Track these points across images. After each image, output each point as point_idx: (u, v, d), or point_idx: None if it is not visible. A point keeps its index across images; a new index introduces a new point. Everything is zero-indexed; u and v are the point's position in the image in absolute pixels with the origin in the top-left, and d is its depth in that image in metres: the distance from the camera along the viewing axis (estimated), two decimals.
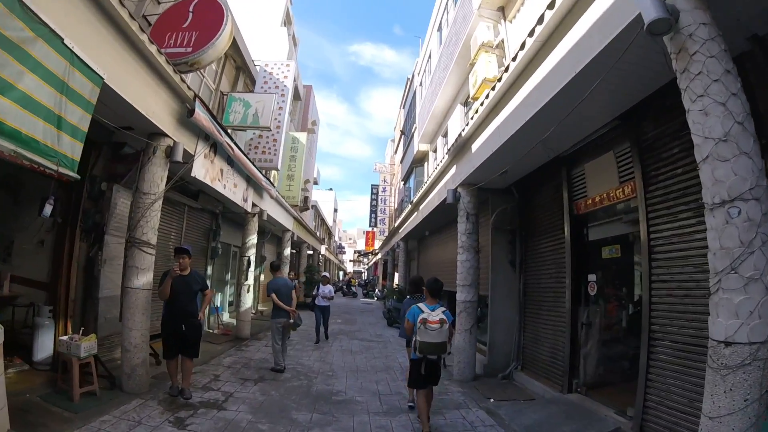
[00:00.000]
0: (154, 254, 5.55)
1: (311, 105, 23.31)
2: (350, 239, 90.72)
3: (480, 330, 7.32)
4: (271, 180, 13.79)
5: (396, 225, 18.72)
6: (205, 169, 6.88)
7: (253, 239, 10.18)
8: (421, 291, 5.51)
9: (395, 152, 30.97)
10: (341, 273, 54.77)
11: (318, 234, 31.18)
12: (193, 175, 6.43)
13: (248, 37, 12.71)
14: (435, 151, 15.93)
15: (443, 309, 4.33)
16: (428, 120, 15.18)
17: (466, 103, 11.84)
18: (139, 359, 5.23)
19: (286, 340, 7.31)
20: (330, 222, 44.55)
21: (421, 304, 4.39)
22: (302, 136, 16.65)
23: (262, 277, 15.80)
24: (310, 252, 25.71)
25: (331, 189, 50.24)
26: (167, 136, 5.65)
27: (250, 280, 10.05)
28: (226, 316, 11.88)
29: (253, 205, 10.13)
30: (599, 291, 5.40)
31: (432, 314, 4.20)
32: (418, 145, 17.18)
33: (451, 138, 9.80)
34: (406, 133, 22.59)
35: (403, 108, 26.04)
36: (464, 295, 6.62)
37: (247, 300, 9.95)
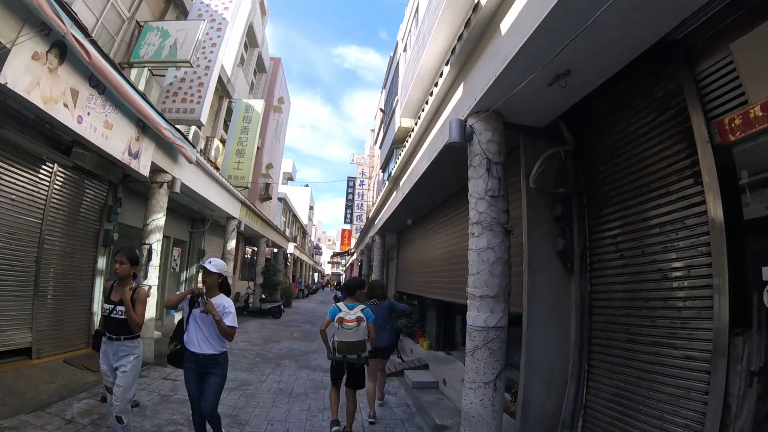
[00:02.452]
0: None
1: (279, 80, 20.15)
2: (329, 240, 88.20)
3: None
4: (209, 149, 10.62)
5: (371, 215, 15.66)
6: (33, 80, 3.95)
7: (157, 220, 6.98)
8: (377, 295, 5.39)
9: (375, 142, 27.98)
10: (316, 275, 51.44)
11: (287, 231, 27.89)
12: (3, 81, 3.39)
13: None
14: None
15: (362, 308, 4.28)
16: (413, 85, 12.11)
17: None
18: None
19: None
20: (305, 220, 41.23)
21: (340, 303, 4.34)
22: (258, 104, 13.48)
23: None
24: (275, 250, 22.44)
25: (307, 185, 46.82)
26: None
27: (153, 279, 6.84)
28: None
29: (159, 170, 6.96)
30: None
31: (350, 313, 4.17)
32: (400, 121, 14.09)
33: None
34: (387, 112, 19.64)
35: (385, 89, 23.06)
36: (482, 316, 3.56)
37: (147, 308, 6.73)
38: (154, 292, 6.84)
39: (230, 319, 3.36)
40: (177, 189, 7.24)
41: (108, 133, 5.40)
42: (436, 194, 7.61)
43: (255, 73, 17.67)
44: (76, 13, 4.33)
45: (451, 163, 5.41)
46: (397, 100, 15.30)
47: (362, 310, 4.23)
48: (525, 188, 4.12)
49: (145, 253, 6.78)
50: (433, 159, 5.58)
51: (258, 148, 17.31)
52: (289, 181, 41.71)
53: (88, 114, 4.95)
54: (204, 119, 7.96)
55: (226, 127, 13.63)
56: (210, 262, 3.49)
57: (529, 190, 4.06)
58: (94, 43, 4.61)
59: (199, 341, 3.36)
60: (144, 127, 6.17)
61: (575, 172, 4.06)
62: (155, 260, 6.86)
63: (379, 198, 12.60)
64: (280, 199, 26.06)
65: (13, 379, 4.85)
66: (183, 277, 11.44)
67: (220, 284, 3.56)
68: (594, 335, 3.79)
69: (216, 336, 3.37)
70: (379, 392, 5.39)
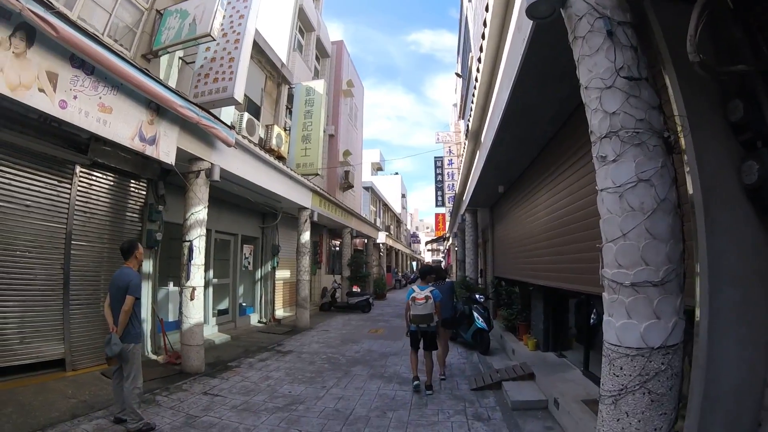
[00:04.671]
0: None
1: (344, 63, 19.15)
2: (427, 228, 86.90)
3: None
4: (269, 137, 9.82)
5: (458, 190, 13.91)
6: None
7: (198, 213, 6.16)
8: (443, 277, 6.89)
9: (459, 117, 25.82)
10: (415, 264, 50.49)
11: (378, 221, 27.09)
12: None
13: None
14: None
15: (431, 288, 5.29)
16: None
17: None
18: None
19: (124, 378, 3.79)
20: (398, 209, 40.32)
21: (414, 285, 5.41)
22: (318, 85, 12.47)
23: (284, 273, 12.01)
24: (366, 241, 21.66)
25: (396, 173, 45.85)
26: None
27: (196, 281, 6.03)
28: (212, 331, 8.03)
29: (194, 158, 6.15)
30: None
31: (420, 292, 5.18)
32: (476, 76, 12.18)
33: None
34: (464, 75, 17.65)
35: (459, 54, 20.95)
36: (639, 326, 1.82)
37: (192, 311, 5.96)
38: (199, 294, 6.04)
39: None
40: (216, 177, 6.36)
41: (106, 117, 4.61)
42: (530, 139, 5.77)
43: (318, 59, 16.84)
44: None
45: (541, 74, 3.69)
46: (471, 56, 13.32)
47: (431, 291, 5.24)
48: (673, 72, 2.24)
49: (185, 252, 6.00)
50: (516, 76, 3.85)
51: (331, 135, 16.55)
52: (378, 172, 41.06)
53: (75, 98, 4.27)
54: (239, 96, 7.00)
55: (290, 116, 12.89)
56: None
57: (683, 74, 2.19)
58: (61, 15, 3.87)
59: None
60: (159, 110, 5.32)
61: (752, 42, 2.10)
62: (198, 259, 6.04)
63: (462, 165, 10.88)
64: (366, 189, 25.28)
65: (34, 393, 4.40)
66: (258, 275, 10.86)
67: None
68: None
69: None
70: (440, 368, 5.80)
